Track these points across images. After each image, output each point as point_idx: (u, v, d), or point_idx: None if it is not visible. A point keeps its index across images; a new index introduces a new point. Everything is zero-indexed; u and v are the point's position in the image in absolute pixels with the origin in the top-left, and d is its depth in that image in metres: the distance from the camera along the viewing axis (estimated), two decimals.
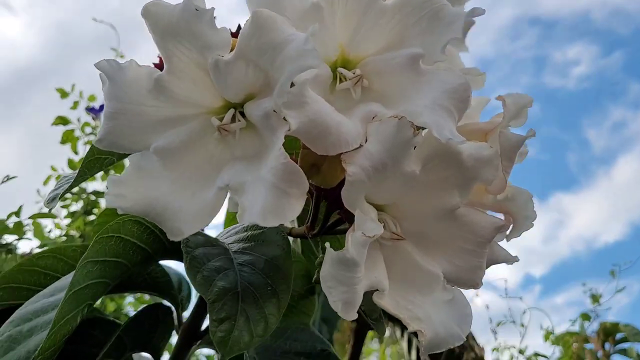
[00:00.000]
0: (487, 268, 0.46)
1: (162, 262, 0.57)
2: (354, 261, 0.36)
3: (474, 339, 0.89)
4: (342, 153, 0.37)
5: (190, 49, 0.38)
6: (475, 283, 0.44)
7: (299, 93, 0.34)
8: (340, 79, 0.42)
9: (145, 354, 0.58)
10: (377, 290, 0.40)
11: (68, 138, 1.58)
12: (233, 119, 0.39)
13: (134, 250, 0.46)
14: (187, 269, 0.40)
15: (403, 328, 1.08)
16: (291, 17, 0.39)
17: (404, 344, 1.03)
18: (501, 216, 0.48)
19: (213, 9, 0.36)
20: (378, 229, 0.37)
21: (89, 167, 0.42)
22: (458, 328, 0.40)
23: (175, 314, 0.58)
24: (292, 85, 0.34)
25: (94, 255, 0.44)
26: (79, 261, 0.42)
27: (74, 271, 0.42)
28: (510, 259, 0.46)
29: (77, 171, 0.43)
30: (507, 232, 0.47)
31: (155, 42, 0.39)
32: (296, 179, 0.34)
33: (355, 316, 0.37)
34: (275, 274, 0.43)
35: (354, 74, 0.41)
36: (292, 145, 0.37)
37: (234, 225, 0.51)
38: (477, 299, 2.40)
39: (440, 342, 0.39)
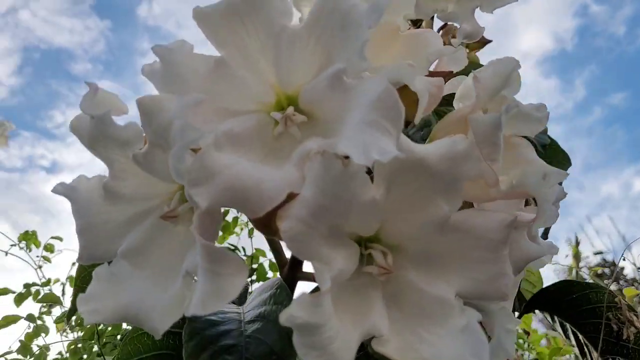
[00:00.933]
0: (521, 268, 0.39)
1: None
2: (310, 325, 0.32)
3: (632, 309, 0.76)
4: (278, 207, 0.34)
5: (115, 149, 0.38)
6: (502, 293, 0.37)
7: (200, 167, 0.32)
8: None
9: None
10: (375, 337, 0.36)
11: None
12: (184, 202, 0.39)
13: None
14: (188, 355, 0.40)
15: None
16: (197, 84, 0.37)
17: None
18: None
19: (109, 111, 0.36)
20: (327, 284, 0.33)
21: (84, 282, 0.44)
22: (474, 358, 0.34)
23: None
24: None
25: (127, 356, 0.45)
26: None
27: None
28: (549, 250, 0.39)
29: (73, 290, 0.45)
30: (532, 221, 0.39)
31: (92, 153, 0.40)
32: (221, 257, 0.32)
33: None
34: (285, 345, 0.40)
35: (282, 113, 0.38)
36: None
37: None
38: None
39: None
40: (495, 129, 0.36)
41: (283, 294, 0.43)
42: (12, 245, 1.61)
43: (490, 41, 1.02)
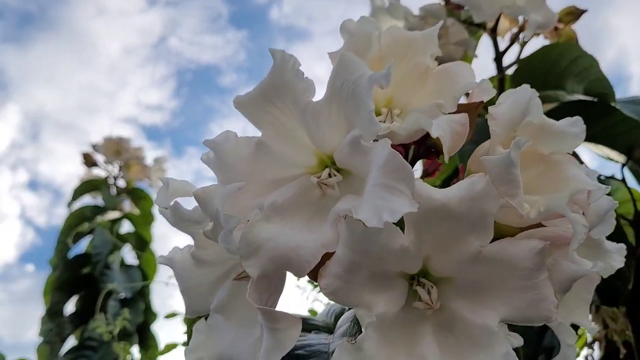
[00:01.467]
0: (568, 288, 0.41)
1: None
2: None
3: None
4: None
5: (192, 226, 0.46)
6: (544, 317, 0.39)
7: (246, 244, 0.39)
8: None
9: None
10: None
11: None
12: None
13: None
14: None
15: None
16: (243, 167, 0.44)
17: None
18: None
19: (176, 202, 0.44)
20: (368, 329, 0.37)
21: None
22: None
23: None
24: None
25: None
26: None
27: None
28: (589, 268, 0.40)
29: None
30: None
31: (179, 229, 0.48)
32: (276, 316, 0.39)
33: None
34: None
35: (318, 177, 0.43)
36: None
37: None
38: None
39: None
40: (507, 166, 0.38)
41: (355, 327, 0.49)
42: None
43: (585, 11, 0.97)
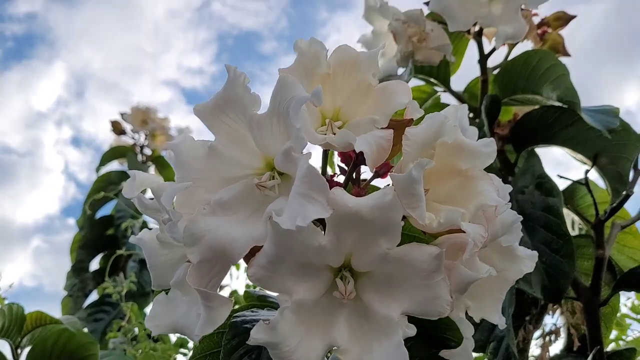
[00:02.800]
0: (464, 289, 0.47)
1: None
2: (269, 343, 0.44)
3: None
4: None
5: (155, 213, 0.54)
6: (439, 312, 0.46)
7: (189, 234, 0.46)
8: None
9: None
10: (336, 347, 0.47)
11: None
12: None
13: None
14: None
15: None
16: (197, 166, 0.51)
17: None
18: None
19: (139, 194, 0.51)
20: (282, 311, 0.45)
21: None
22: None
23: None
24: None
25: (201, 351, 0.62)
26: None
27: None
28: (474, 276, 0.46)
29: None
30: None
31: (146, 215, 0.56)
32: (210, 296, 0.46)
33: None
34: None
35: (259, 179, 0.50)
36: None
37: None
38: None
39: None
40: (410, 183, 0.44)
41: None
42: None
43: (574, 17, 0.99)
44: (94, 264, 2.31)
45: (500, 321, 0.53)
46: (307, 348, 0.46)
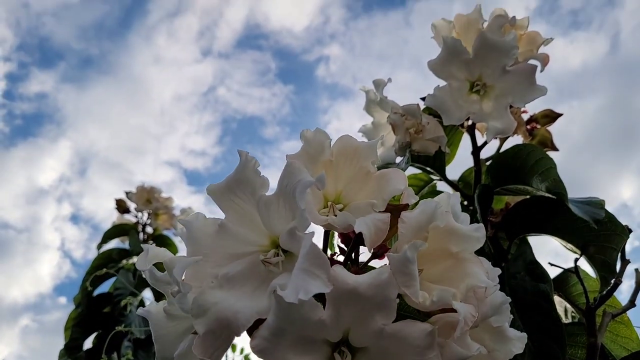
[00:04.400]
0: None
1: None
2: None
3: None
4: None
5: (164, 286, 0.57)
6: None
7: (197, 306, 0.49)
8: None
9: None
10: None
11: None
12: None
13: None
14: None
15: None
16: (207, 242, 0.55)
17: None
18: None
19: (151, 267, 0.55)
20: None
21: None
22: None
23: None
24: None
25: None
26: None
27: None
28: (465, 354, 0.49)
29: None
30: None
31: (156, 288, 0.59)
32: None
33: None
34: None
35: (264, 256, 0.54)
36: None
37: None
38: None
39: None
40: (405, 262, 0.47)
41: None
42: None
43: (560, 115, 1.06)
44: (87, 343, 2.28)
45: None
46: None
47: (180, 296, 0.49)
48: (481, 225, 0.54)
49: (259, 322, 0.49)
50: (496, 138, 0.97)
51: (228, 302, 0.50)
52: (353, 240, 0.59)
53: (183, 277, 0.51)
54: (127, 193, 2.49)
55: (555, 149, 1.07)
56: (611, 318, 0.87)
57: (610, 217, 0.85)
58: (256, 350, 0.48)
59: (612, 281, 0.84)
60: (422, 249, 0.49)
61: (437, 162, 1.04)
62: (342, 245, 0.61)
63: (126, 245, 2.52)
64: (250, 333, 0.50)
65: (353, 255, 0.58)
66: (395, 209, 0.55)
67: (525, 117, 1.08)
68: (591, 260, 0.86)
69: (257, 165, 0.54)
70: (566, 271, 0.95)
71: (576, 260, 0.87)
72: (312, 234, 0.49)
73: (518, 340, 0.56)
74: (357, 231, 0.52)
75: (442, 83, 0.91)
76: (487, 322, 0.54)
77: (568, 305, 0.99)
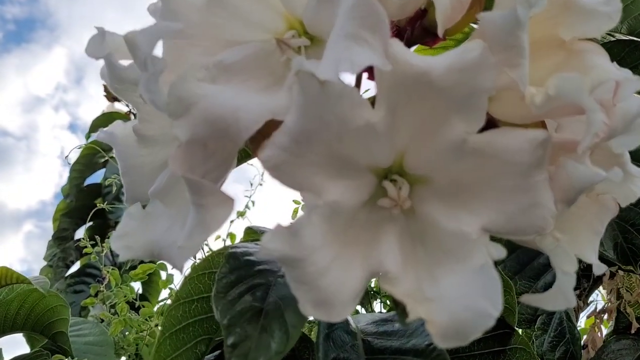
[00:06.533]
0: (572, 200, 0.32)
1: None
2: (289, 258, 0.30)
3: None
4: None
5: (135, 91, 0.39)
6: (537, 227, 0.31)
7: (176, 99, 0.31)
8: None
9: None
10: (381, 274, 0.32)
11: None
12: None
13: None
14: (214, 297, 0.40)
15: None
16: (193, 18, 0.36)
17: None
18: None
19: (109, 53, 0.36)
20: (308, 214, 0.30)
21: None
22: (485, 301, 0.29)
23: None
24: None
25: (187, 295, 0.47)
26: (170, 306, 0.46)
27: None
28: (595, 175, 0.31)
29: None
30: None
31: (121, 98, 0.41)
32: (204, 189, 0.32)
33: (343, 316, 0.31)
34: None
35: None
36: None
37: None
38: None
39: (459, 325, 0.29)
40: (512, 27, 0.29)
41: None
42: None
43: None
44: (79, 234, 2.16)
45: (597, 262, 0.39)
46: (341, 272, 0.31)
47: (148, 78, 0.31)
48: None
49: (272, 127, 0.31)
50: None
51: (224, 95, 0.32)
52: (407, 38, 0.40)
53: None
54: None
55: None
56: None
57: None
58: (270, 164, 0.31)
59: None
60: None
61: None
62: None
63: None
64: (256, 147, 0.32)
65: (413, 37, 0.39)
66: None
67: None
68: None
69: None
70: None
71: None
72: None
73: None
74: None
75: None
76: (605, 146, 0.37)
77: None
